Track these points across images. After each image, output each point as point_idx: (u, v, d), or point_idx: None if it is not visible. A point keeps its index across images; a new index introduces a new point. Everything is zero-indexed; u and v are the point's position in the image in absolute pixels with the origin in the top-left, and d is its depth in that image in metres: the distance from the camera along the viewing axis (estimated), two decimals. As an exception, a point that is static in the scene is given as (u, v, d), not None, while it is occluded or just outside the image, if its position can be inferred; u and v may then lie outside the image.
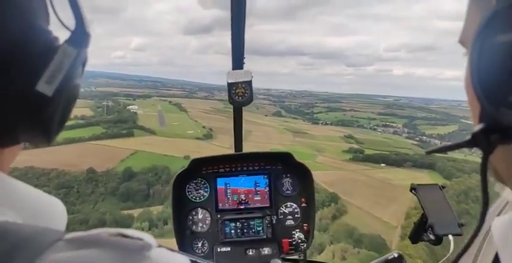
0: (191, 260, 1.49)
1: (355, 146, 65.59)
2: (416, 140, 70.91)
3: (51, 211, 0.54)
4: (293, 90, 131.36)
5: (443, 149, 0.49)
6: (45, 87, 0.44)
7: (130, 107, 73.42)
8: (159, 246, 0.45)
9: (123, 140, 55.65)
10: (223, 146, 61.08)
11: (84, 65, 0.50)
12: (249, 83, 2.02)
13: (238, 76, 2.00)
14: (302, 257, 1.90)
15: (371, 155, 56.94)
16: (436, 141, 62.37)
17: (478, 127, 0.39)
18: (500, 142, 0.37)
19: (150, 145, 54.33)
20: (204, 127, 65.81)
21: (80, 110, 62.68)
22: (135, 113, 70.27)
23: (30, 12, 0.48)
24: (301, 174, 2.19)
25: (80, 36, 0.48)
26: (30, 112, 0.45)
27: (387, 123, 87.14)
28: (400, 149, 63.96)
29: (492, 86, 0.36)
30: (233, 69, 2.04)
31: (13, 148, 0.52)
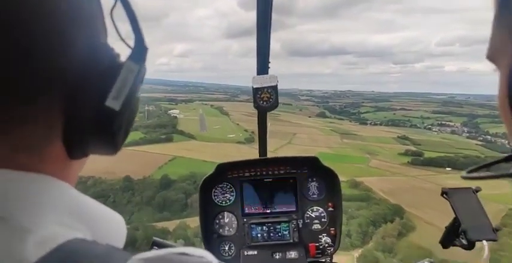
0: None
1: (412, 148, 58.62)
2: (480, 140, 63.02)
3: (114, 227, 0.56)
4: (337, 91, 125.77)
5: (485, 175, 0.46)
6: (113, 102, 0.47)
7: (171, 111, 71.16)
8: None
9: (161, 145, 52.90)
10: (267, 149, 57.22)
11: (143, 79, 0.53)
12: (275, 87, 2.00)
13: (264, 81, 1.99)
14: (329, 261, 1.94)
15: (433, 158, 49.71)
16: (503, 140, 54.16)
17: None
18: None
19: (190, 150, 50.91)
20: (246, 131, 61.66)
21: (123, 115, 60.80)
22: (175, 117, 67.82)
23: (95, 30, 0.51)
24: (328, 178, 2.16)
25: (140, 51, 0.50)
26: (101, 126, 0.48)
27: (443, 122, 79.63)
28: (463, 150, 56.11)
29: None
30: (258, 74, 2.02)
31: (81, 160, 0.55)
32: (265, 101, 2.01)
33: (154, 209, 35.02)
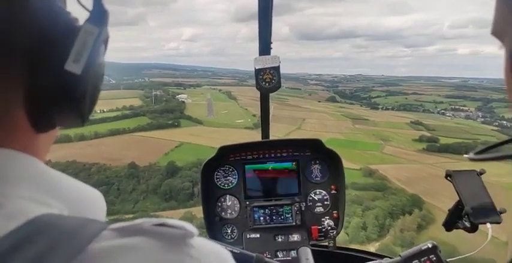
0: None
1: (426, 133, 55.79)
2: (495, 125, 59.94)
3: (92, 202, 0.54)
4: (346, 75, 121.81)
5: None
6: (73, 66, 0.44)
7: (179, 96, 68.93)
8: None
9: (168, 131, 50.91)
10: (276, 135, 54.74)
11: (106, 43, 0.50)
12: (277, 69, 1.96)
13: (266, 62, 1.95)
14: (332, 244, 1.94)
15: (450, 144, 46.81)
16: (519, 125, 51.46)
17: None
18: None
19: (197, 136, 48.87)
20: (254, 116, 58.99)
21: (130, 100, 59.20)
22: (183, 102, 65.46)
23: None
24: (331, 161, 2.14)
25: (99, 14, 0.48)
26: (63, 92, 0.45)
27: (457, 106, 75.99)
28: (480, 136, 53.27)
29: None
30: (260, 54, 1.99)
31: (49, 133, 0.52)
32: (268, 82, 1.97)
33: (160, 198, 33.45)
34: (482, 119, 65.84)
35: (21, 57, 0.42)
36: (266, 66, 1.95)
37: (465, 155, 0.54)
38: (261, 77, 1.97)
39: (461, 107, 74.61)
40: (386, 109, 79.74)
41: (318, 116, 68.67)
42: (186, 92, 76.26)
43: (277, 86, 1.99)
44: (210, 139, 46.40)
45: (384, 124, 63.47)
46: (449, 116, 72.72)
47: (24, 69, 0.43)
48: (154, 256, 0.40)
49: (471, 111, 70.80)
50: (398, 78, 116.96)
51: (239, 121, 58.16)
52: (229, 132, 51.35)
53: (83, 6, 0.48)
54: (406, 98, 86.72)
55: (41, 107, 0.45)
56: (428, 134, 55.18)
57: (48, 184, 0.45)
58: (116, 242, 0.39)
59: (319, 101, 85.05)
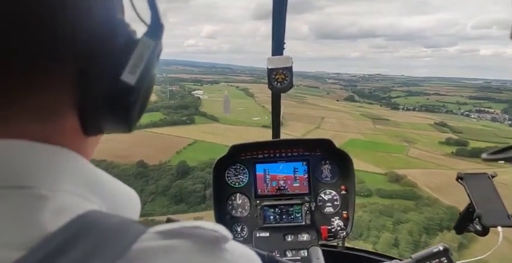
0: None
1: (453, 136, 51.39)
2: (524, 129, 55.48)
3: (129, 201, 0.55)
4: (365, 74, 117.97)
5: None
6: (129, 76, 0.46)
7: (194, 92, 66.24)
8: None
9: (182, 127, 47.92)
10: (294, 134, 52.46)
11: (159, 55, 0.52)
12: (290, 69, 1.96)
13: (279, 62, 1.95)
14: (341, 244, 1.90)
15: (482, 148, 42.27)
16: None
17: None
18: None
19: (212, 134, 45.84)
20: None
21: (146, 95, 56.51)
22: (199, 98, 62.74)
23: (112, 6, 0.50)
24: (341, 161, 2.10)
25: (156, 28, 0.50)
26: (115, 100, 0.47)
27: (482, 108, 71.37)
28: (511, 140, 48.61)
29: None
30: (273, 55, 1.99)
31: (96, 136, 0.54)
32: (280, 82, 1.98)
33: (169, 200, 30.34)
34: (510, 122, 61.46)
35: (79, 63, 0.44)
36: (279, 66, 1.95)
37: (482, 155, 0.55)
38: (273, 76, 1.96)
39: (487, 109, 70.17)
40: (408, 109, 75.78)
41: (337, 115, 64.76)
42: (203, 88, 73.91)
43: (289, 87, 1.98)
44: (225, 138, 43.41)
45: (406, 125, 59.24)
46: (474, 118, 68.25)
47: (80, 75, 0.44)
48: (191, 258, 0.42)
49: (497, 114, 66.37)
50: (419, 78, 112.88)
51: (256, 119, 54.87)
52: (246, 130, 48.28)
53: (142, 20, 0.50)
54: (427, 99, 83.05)
55: (93, 112, 0.47)
56: (455, 137, 51.01)
57: (92, 181, 0.47)
58: (156, 244, 0.41)
59: (338, 100, 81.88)
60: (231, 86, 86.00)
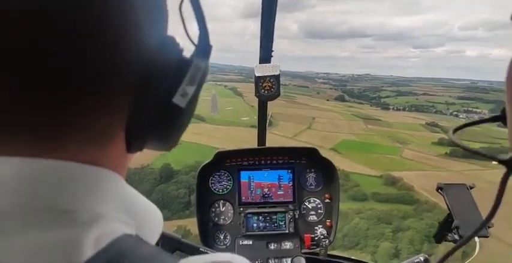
0: None
1: (445, 136, 50.34)
2: (514, 128, 54.87)
3: (155, 220, 0.56)
4: (354, 74, 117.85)
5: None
6: (180, 99, 0.46)
7: (181, 91, 63.86)
8: None
9: (167, 128, 45.31)
10: (285, 135, 49.51)
11: (206, 76, 0.52)
12: (277, 77, 1.97)
13: (266, 70, 1.97)
14: (323, 252, 1.90)
15: (476, 149, 40.96)
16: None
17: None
18: None
19: (198, 134, 43.59)
20: (261, 113, 53.96)
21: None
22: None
23: (165, 23, 0.51)
24: (326, 170, 2.11)
25: (206, 49, 0.50)
26: (165, 122, 0.48)
27: (469, 108, 71.46)
28: (501, 140, 47.78)
29: None
30: (260, 62, 1.99)
31: (135, 153, 0.55)
32: (267, 90, 1.99)
33: (151, 206, 28.23)
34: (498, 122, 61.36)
35: (136, 86, 0.44)
36: (266, 74, 1.95)
37: (449, 135, 0.56)
38: (260, 84, 1.96)
39: (474, 109, 70.30)
40: (398, 109, 76.01)
41: (328, 115, 63.67)
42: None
43: (276, 95, 2.00)
44: (212, 138, 41.56)
45: (397, 125, 58.47)
46: (462, 118, 67.66)
47: (133, 96, 0.45)
48: None
49: (485, 114, 66.18)
50: (407, 78, 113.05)
51: (244, 118, 53.14)
52: (234, 131, 46.38)
53: (192, 41, 0.50)
54: (416, 99, 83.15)
55: (140, 132, 0.48)
56: (448, 137, 49.87)
57: (128, 203, 0.49)
58: None
59: (328, 100, 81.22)
60: (219, 85, 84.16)
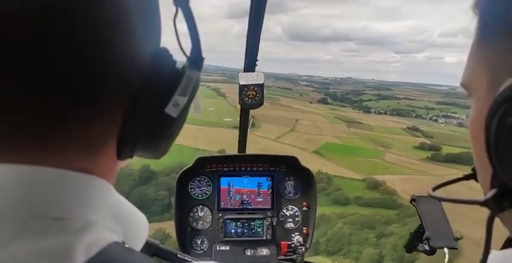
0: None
1: (426, 140, 51.21)
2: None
3: (141, 227, 0.57)
4: (337, 77, 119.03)
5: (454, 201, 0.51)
6: (172, 109, 0.47)
7: (163, 91, 62.65)
8: None
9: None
10: (268, 137, 49.03)
11: (198, 87, 0.54)
12: (261, 86, 2.00)
13: (250, 78, 1.99)
14: (299, 259, 1.94)
15: (457, 154, 41.59)
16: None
17: (491, 193, 0.41)
18: (510, 206, 0.40)
19: (180, 135, 42.12)
20: (245, 114, 53.25)
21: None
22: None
23: (157, 37, 0.52)
24: (305, 178, 2.15)
25: (198, 60, 0.51)
26: (157, 132, 0.49)
27: (448, 113, 73.00)
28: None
29: (509, 161, 0.37)
30: (245, 71, 2.03)
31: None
32: (251, 98, 2.00)
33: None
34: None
35: (130, 95, 0.45)
36: (250, 82, 1.97)
37: (429, 192, 0.60)
38: (244, 92, 1.98)
39: (453, 114, 71.81)
40: (379, 113, 76.80)
41: (311, 117, 63.78)
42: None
43: (260, 103, 2.02)
44: (194, 139, 40.52)
45: (379, 129, 58.99)
46: (441, 122, 69.90)
47: (127, 106, 0.46)
48: None
49: (463, 119, 67.65)
50: (389, 83, 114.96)
51: (227, 119, 52.38)
52: (216, 132, 45.64)
53: (184, 53, 0.51)
54: (398, 103, 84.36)
55: (132, 141, 0.48)
56: (428, 142, 50.73)
57: (117, 211, 0.50)
58: None
59: (311, 102, 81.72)
60: (202, 85, 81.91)
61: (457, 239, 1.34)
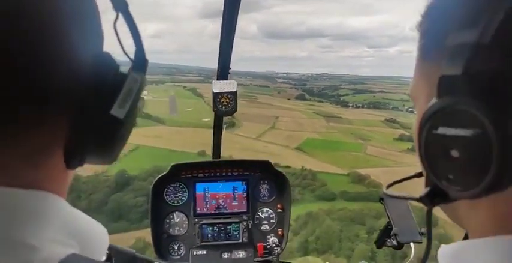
0: None
1: (405, 132, 51.41)
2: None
3: (100, 239, 0.57)
4: (313, 74, 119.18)
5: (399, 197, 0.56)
6: (118, 111, 0.47)
7: (138, 93, 60.50)
8: None
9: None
10: (249, 136, 48.35)
11: (143, 89, 0.54)
12: (234, 93, 2.04)
13: (224, 86, 2.02)
14: (275, 260, 1.98)
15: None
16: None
17: (424, 191, 0.46)
18: (441, 203, 0.45)
19: (157, 137, 41.09)
20: (223, 113, 52.02)
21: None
22: (142, 98, 56.07)
23: (99, 42, 0.52)
24: (279, 181, 2.20)
25: (142, 63, 0.51)
26: (104, 134, 0.48)
27: None
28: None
29: (437, 165, 0.42)
30: (218, 79, 2.05)
31: (75, 169, 0.55)
32: (225, 105, 2.02)
33: (107, 217, 25.17)
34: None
35: (72, 100, 0.45)
36: (224, 90, 2.01)
37: (383, 191, 0.62)
38: (218, 100, 2.02)
39: (428, 105, 72.84)
40: (357, 107, 76.99)
41: (291, 114, 63.10)
42: (147, 89, 67.81)
43: (233, 110, 2.05)
44: (172, 141, 39.17)
45: (358, 122, 59.15)
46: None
47: (71, 112, 0.45)
48: None
49: (437, 109, 68.96)
50: (363, 77, 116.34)
51: (206, 120, 50.85)
52: (195, 132, 44.02)
53: (128, 56, 0.51)
54: (374, 96, 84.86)
55: (80, 148, 0.48)
56: (407, 133, 50.98)
57: (71, 226, 0.49)
58: None
59: (289, 99, 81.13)
60: (178, 86, 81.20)
61: (422, 234, 1.39)
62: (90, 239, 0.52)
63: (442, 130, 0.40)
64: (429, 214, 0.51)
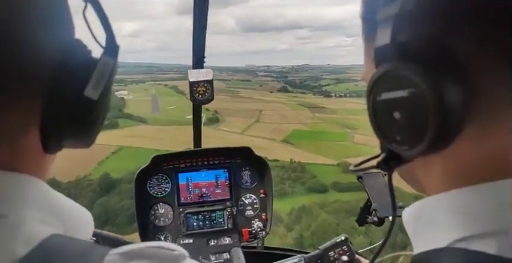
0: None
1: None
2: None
3: (84, 221, 0.57)
4: (294, 65, 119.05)
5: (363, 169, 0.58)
6: (92, 92, 0.48)
7: (118, 92, 58.65)
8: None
9: (104, 133, 40.28)
10: (234, 131, 47.79)
11: (115, 74, 0.55)
12: (210, 82, 2.05)
13: (200, 75, 2.03)
14: (260, 244, 2.04)
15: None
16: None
17: (380, 157, 0.48)
18: (396, 166, 0.47)
19: (140, 137, 39.71)
20: (207, 109, 50.74)
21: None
22: (123, 98, 55.36)
23: (68, 27, 0.53)
24: (260, 167, 2.22)
25: (113, 48, 0.52)
26: (79, 115, 0.49)
27: None
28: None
29: (385, 129, 0.45)
30: (194, 68, 2.07)
31: (54, 154, 0.55)
32: (201, 94, 2.04)
33: (93, 223, 24.01)
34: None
35: (44, 83, 0.46)
36: (200, 79, 2.01)
37: (350, 168, 0.64)
38: (195, 89, 2.03)
39: (409, 91, 73.61)
40: (340, 96, 77.06)
41: (274, 106, 62.38)
42: (128, 88, 66.19)
43: (210, 99, 2.08)
44: (155, 140, 37.88)
45: (343, 111, 58.68)
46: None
47: (45, 94, 0.46)
48: None
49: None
50: (344, 66, 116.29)
51: (189, 117, 49.40)
52: (179, 130, 42.73)
53: (98, 42, 0.53)
54: (356, 85, 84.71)
55: (56, 130, 0.49)
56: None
57: (52, 205, 0.49)
58: None
59: (271, 92, 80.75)
60: (159, 84, 79.45)
61: (401, 207, 1.33)
62: (76, 221, 0.52)
63: (383, 96, 0.43)
64: (390, 179, 0.52)
